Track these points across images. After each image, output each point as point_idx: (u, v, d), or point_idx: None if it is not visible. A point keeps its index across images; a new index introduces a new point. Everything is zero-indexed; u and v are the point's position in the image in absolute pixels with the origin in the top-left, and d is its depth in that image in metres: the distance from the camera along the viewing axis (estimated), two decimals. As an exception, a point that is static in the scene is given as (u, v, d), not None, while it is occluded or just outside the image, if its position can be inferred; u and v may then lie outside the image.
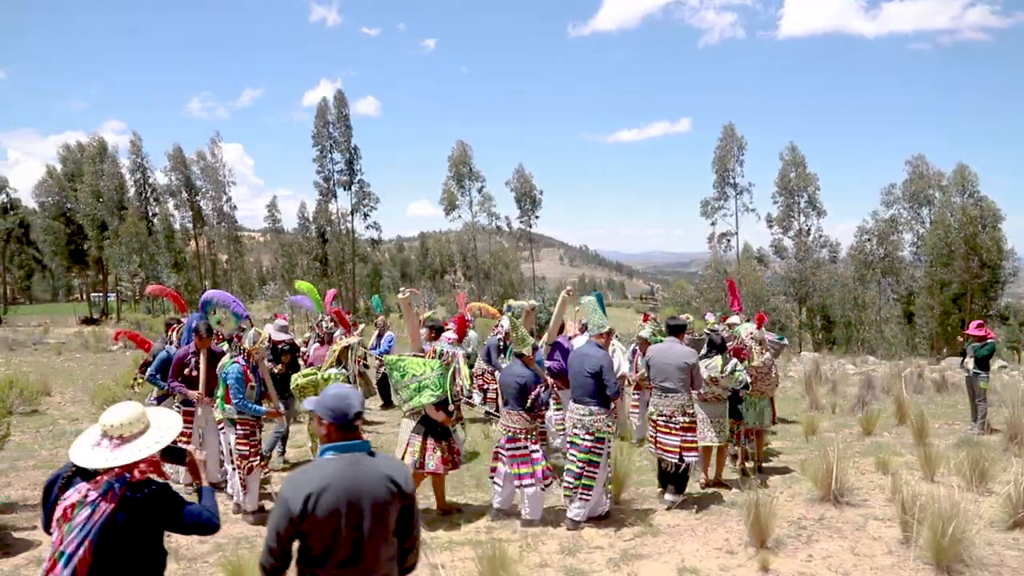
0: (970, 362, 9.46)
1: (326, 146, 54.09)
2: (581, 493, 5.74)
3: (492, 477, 6.16)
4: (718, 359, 7.04)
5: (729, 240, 47.65)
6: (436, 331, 6.70)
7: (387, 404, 11.49)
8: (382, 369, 10.48)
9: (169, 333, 7.92)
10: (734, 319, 8.85)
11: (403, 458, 5.90)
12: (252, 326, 7.19)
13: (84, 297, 63.61)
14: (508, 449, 5.92)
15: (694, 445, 6.34)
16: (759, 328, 8.28)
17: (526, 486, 5.79)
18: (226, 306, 7.93)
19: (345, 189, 54.63)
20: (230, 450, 6.24)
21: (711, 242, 47.45)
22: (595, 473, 5.78)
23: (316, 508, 2.44)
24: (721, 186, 46.98)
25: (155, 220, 52.77)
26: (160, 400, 7.42)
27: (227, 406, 6.15)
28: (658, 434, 6.38)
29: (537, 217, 54.05)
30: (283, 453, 8.10)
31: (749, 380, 7.08)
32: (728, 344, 7.37)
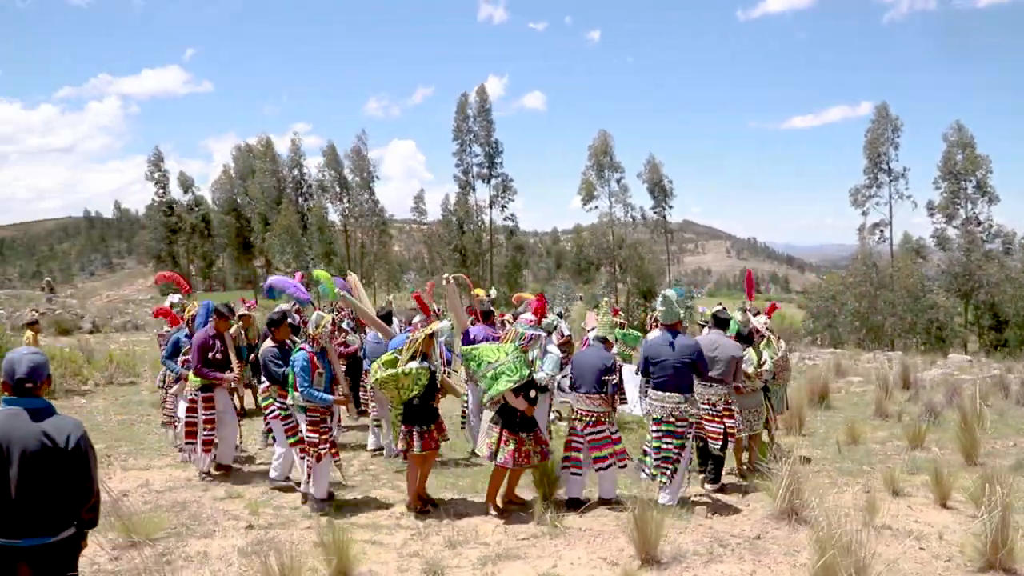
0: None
1: (466, 140, 55.64)
2: (672, 478, 5.94)
3: (567, 467, 6.11)
4: (751, 352, 7.27)
5: (882, 231, 43.55)
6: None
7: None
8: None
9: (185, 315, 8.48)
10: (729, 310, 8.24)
11: (483, 448, 6.01)
12: (316, 309, 7.23)
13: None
14: (590, 434, 5.96)
15: (733, 431, 6.61)
16: (769, 318, 8.02)
17: (607, 467, 5.91)
18: (286, 291, 8.21)
19: (485, 182, 56.00)
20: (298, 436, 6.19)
21: (861, 232, 43.54)
22: (685, 456, 6.05)
23: None
24: (873, 172, 42.93)
25: (309, 214, 57.20)
26: (176, 382, 7.57)
27: (295, 393, 6.03)
28: (703, 421, 6.53)
29: (671, 207, 52.43)
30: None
31: (775, 370, 7.53)
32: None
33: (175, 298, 8.68)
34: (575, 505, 5.95)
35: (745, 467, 7.26)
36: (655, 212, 53.14)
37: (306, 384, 5.89)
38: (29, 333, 13.11)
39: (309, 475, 5.98)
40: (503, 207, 55.86)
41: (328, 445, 6.08)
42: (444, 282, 7.87)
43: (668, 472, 5.95)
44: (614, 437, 6.01)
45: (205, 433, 6.82)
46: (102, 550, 4.76)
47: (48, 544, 2.80)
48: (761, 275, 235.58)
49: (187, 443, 7.03)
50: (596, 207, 52.50)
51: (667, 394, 6.01)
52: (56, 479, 2.80)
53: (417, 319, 8.72)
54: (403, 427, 5.93)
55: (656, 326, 8.03)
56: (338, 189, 58.25)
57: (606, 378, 6.01)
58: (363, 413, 10.21)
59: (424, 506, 5.96)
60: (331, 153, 58.07)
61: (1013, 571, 4.72)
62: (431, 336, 6.08)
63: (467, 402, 8.13)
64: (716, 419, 6.56)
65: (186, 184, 65.07)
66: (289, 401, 6.29)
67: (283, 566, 4.11)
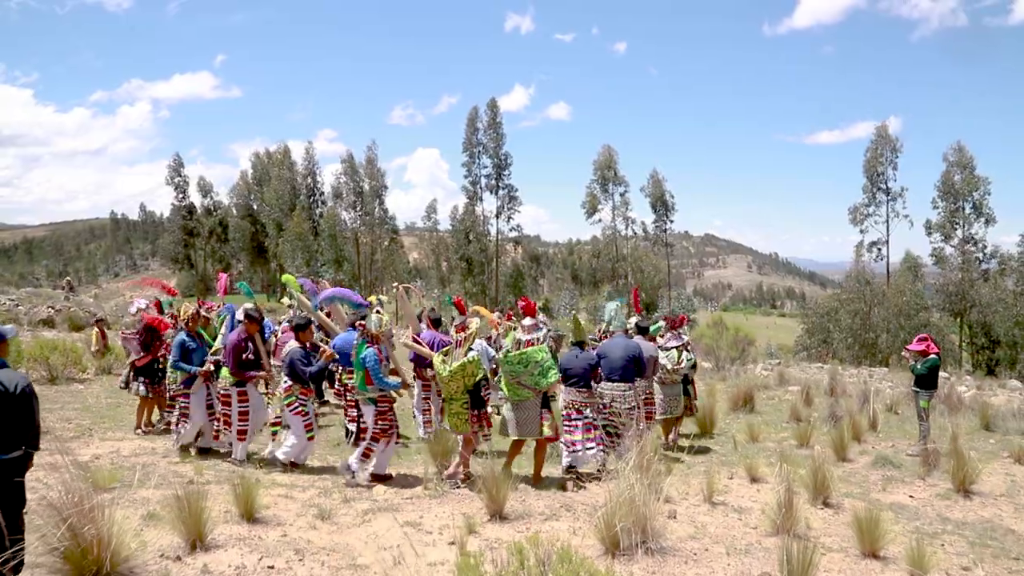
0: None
1: (475, 152, 56.99)
2: (619, 444, 7.28)
3: (565, 447, 7.47)
4: (674, 352, 8.98)
5: (880, 249, 44.22)
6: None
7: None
8: None
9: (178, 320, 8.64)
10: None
11: (541, 429, 7.01)
12: (373, 312, 7.70)
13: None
14: (574, 420, 7.26)
15: (653, 415, 8.58)
16: (679, 328, 9.29)
17: (588, 449, 7.16)
18: (347, 299, 8.69)
19: (492, 193, 57.29)
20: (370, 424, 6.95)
21: (858, 250, 44.22)
22: (624, 431, 7.45)
23: None
24: (872, 191, 43.69)
25: (321, 220, 58.85)
26: (188, 384, 7.79)
27: (368, 387, 6.82)
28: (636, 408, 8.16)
29: (672, 222, 53.42)
30: None
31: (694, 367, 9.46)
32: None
33: (141, 303, 9.69)
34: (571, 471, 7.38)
35: (671, 442, 9.30)
36: (656, 226, 54.16)
37: (380, 376, 6.76)
38: (95, 330, 14.68)
39: (367, 456, 6.84)
40: (509, 218, 57.18)
41: (395, 431, 7.05)
42: (395, 290, 9.06)
43: (613, 443, 7.42)
44: (595, 423, 7.30)
45: (240, 424, 7.46)
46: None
47: (2, 460, 4.01)
48: (778, 291, 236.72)
49: (225, 429, 7.61)
50: (600, 220, 53.62)
51: (615, 384, 7.67)
52: (6, 414, 4.00)
53: (459, 320, 9.76)
54: (471, 412, 7.01)
55: (605, 336, 9.31)
56: (353, 198, 59.88)
57: (592, 375, 7.39)
58: (325, 403, 11.49)
59: (467, 477, 6.97)
60: (350, 161, 59.75)
61: (796, 535, 5.76)
62: (476, 332, 7.29)
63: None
64: (640, 406, 8.20)
65: (205, 189, 67.20)
66: (359, 396, 7.06)
67: (207, 508, 5.28)
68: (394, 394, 7.07)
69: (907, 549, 5.13)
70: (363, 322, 7.05)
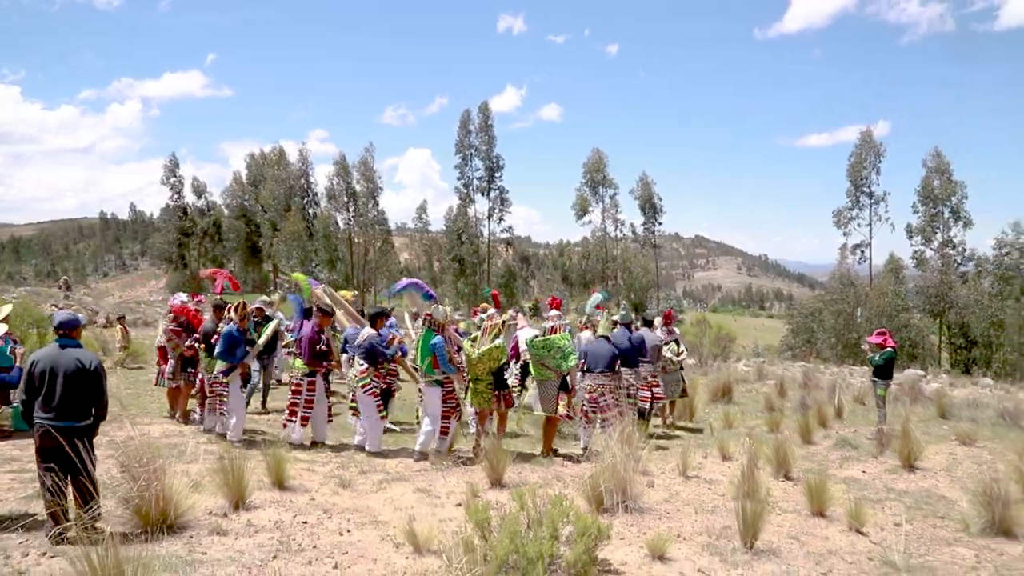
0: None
1: (467, 154, 57.75)
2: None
3: (584, 427, 8.51)
4: (674, 345, 10.47)
5: (863, 251, 45.39)
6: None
7: None
8: None
9: (228, 313, 8.72)
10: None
11: (557, 410, 8.14)
12: (437, 304, 8.27)
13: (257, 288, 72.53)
14: (597, 402, 8.21)
15: (661, 396, 10.08)
16: (671, 324, 10.36)
17: (606, 427, 7.94)
18: (419, 290, 9.28)
19: (484, 195, 58.09)
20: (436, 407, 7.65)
21: (842, 252, 45.38)
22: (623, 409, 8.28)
23: (34, 369, 4.75)
24: (855, 195, 44.86)
25: (315, 221, 59.47)
26: (227, 373, 8.17)
27: (434, 370, 7.61)
28: (639, 390, 9.43)
29: (660, 224, 54.46)
30: (263, 403, 10.40)
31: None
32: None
33: (183, 296, 10.36)
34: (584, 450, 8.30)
35: (669, 422, 10.76)
36: (645, 228, 55.23)
37: (446, 361, 7.64)
38: (119, 327, 15.52)
39: (444, 433, 7.73)
40: (500, 219, 58.01)
41: (458, 411, 7.95)
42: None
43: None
44: (612, 404, 8.19)
45: (304, 411, 8.13)
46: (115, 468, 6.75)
47: (76, 426, 4.80)
48: (767, 293, 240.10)
49: (289, 420, 8.21)
50: (590, 222, 54.60)
51: (628, 369, 8.93)
52: (83, 388, 4.79)
53: (491, 311, 10.56)
54: (494, 392, 8.03)
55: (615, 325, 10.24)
56: (346, 199, 60.54)
57: (616, 362, 8.43)
58: (333, 393, 12.26)
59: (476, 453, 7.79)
60: (342, 163, 60.39)
61: (757, 499, 6.62)
62: (503, 323, 8.22)
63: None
64: (646, 387, 9.64)
65: (199, 189, 67.68)
66: (424, 379, 7.73)
67: (244, 476, 6.08)
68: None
69: (848, 509, 5.99)
70: (429, 312, 7.88)
